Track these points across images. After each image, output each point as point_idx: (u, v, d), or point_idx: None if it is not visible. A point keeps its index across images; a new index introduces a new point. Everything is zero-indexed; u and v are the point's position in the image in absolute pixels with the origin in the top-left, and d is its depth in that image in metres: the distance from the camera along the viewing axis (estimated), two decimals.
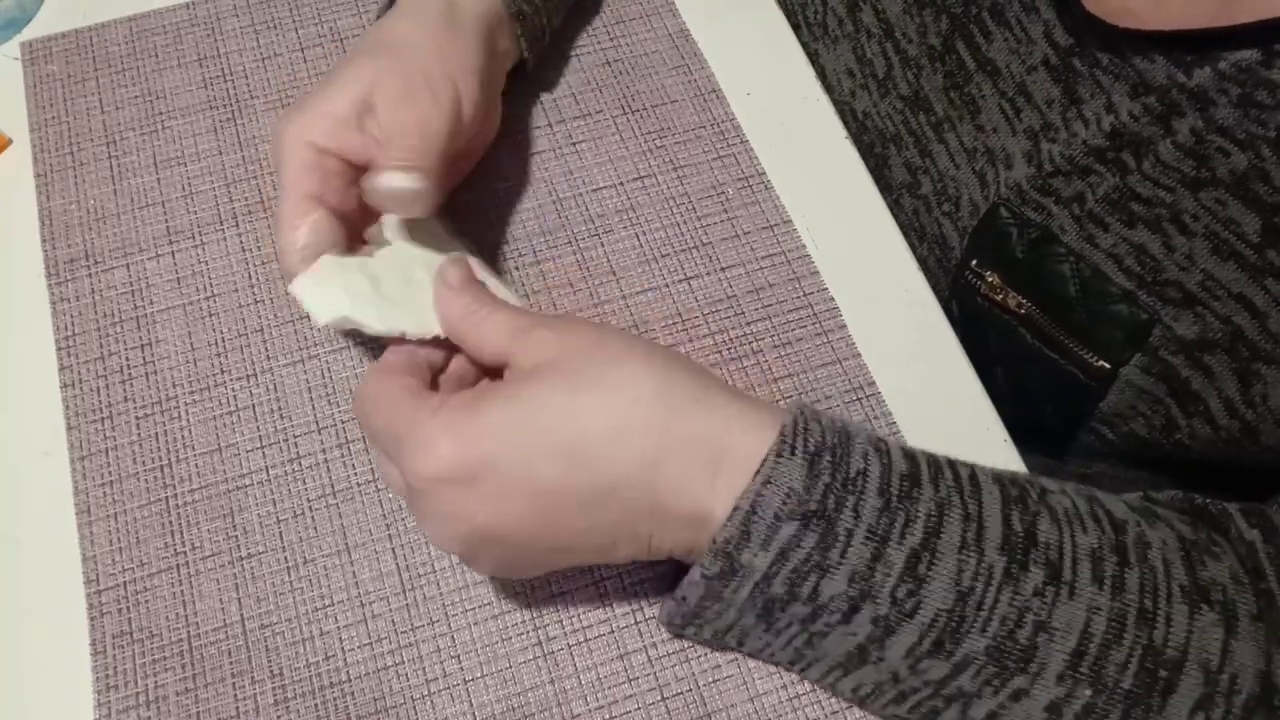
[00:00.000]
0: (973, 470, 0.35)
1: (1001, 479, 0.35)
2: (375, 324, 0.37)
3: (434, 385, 0.38)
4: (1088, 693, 0.32)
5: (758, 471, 0.32)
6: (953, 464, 0.35)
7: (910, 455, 0.34)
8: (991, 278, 0.48)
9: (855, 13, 0.54)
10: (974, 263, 0.49)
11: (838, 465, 0.32)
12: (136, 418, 0.43)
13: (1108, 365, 0.44)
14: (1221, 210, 0.39)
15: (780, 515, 0.32)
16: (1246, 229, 0.38)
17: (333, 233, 0.40)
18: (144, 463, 0.42)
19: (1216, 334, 0.40)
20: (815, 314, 0.46)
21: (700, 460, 0.32)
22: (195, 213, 0.48)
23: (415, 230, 0.42)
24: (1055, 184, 0.44)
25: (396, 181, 0.38)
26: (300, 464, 0.42)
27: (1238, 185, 0.38)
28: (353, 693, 0.38)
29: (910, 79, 0.52)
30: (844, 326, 0.46)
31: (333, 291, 0.38)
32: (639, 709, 0.38)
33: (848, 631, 0.33)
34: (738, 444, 0.33)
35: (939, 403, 0.45)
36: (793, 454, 0.32)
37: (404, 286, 0.39)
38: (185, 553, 0.40)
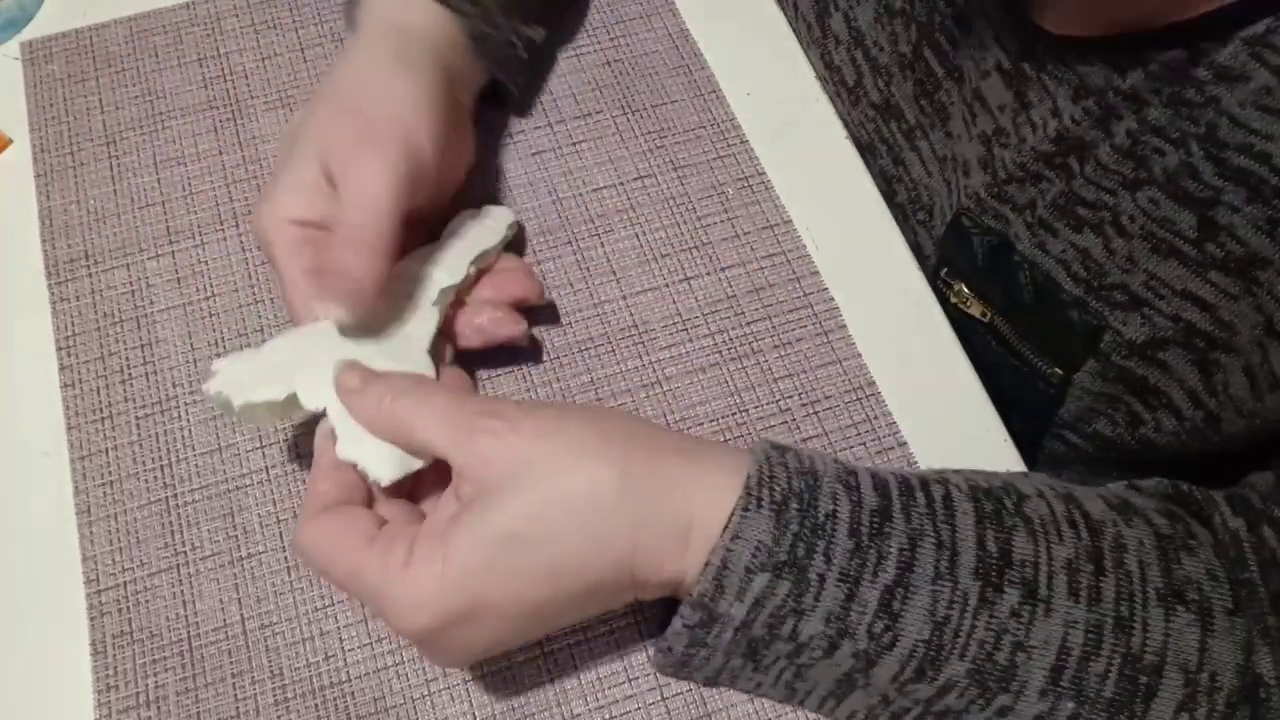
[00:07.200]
0: (946, 490, 0.35)
1: (977, 494, 0.35)
2: (269, 395, 0.36)
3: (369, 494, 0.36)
4: (1071, 705, 0.32)
5: (725, 527, 0.32)
6: (926, 485, 0.35)
7: (881, 486, 0.34)
8: (959, 286, 0.48)
9: (824, 20, 0.54)
10: (944, 271, 0.49)
11: (805, 511, 0.33)
12: (136, 418, 0.43)
13: (1061, 372, 0.44)
14: (1155, 210, 0.39)
15: (751, 568, 0.32)
16: (1182, 226, 0.38)
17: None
18: (144, 463, 0.42)
19: (1167, 332, 0.40)
20: (815, 314, 0.46)
21: (671, 537, 0.33)
22: (195, 213, 0.48)
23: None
24: (1010, 191, 0.44)
25: (331, 315, 0.38)
26: (300, 464, 0.42)
27: (1169, 183, 0.38)
28: (353, 693, 0.38)
29: (880, 87, 0.52)
30: (844, 326, 0.46)
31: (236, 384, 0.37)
32: (639, 709, 0.38)
33: (831, 663, 0.33)
34: (702, 509, 0.33)
35: (939, 403, 0.45)
36: (759, 507, 0.32)
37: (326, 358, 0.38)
38: (185, 553, 0.40)
